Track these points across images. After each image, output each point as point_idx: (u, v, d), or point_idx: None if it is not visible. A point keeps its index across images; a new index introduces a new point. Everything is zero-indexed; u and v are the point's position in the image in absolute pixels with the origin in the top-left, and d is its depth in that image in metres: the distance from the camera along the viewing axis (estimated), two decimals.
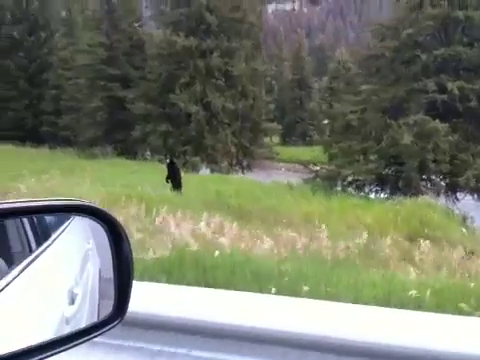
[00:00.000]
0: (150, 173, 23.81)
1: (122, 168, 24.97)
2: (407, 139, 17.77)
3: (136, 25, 35.06)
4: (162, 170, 25.82)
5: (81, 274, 1.17)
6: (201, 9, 29.25)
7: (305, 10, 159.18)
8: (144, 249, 5.09)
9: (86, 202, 1.05)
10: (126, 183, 19.67)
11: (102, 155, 29.84)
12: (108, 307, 1.05)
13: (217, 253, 4.28)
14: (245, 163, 32.35)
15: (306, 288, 3.74)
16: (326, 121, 26.36)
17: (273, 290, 3.64)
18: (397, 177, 19.15)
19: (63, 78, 37.97)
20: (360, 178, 20.02)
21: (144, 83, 31.56)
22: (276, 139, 52.91)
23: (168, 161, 18.45)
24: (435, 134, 17.72)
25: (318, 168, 21.86)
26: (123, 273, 1.03)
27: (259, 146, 31.96)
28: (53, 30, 41.50)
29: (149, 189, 16.99)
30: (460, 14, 18.57)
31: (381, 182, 19.56)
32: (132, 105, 30.77)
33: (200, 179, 23.29)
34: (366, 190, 20.62)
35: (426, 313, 2.24)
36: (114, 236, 1.03)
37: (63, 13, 42.27)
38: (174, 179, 16.75)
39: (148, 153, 33.04)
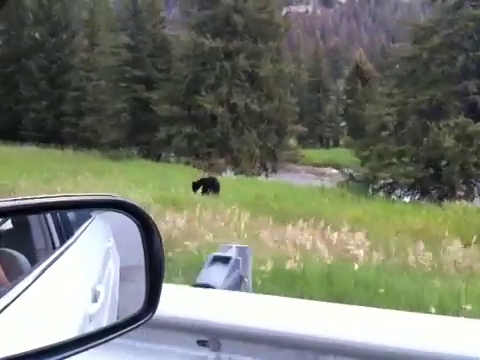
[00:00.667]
0: (177, 175, 23.63)
1: (149, 170, 24.78)
2: (450, 141, 17.39)
3: (159, 26, 34.97)
4: (188, 172, 25.79)
5: (103, 272, 1.17)
6: (228, 10, 29.02)
7: (319, 12, 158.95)
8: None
9: (118, 197, 1.03)
10: (159, 184, 19.55)
11: (127, 157, 29.72)
12: (129, 306, 1.05)
13: (356, 267, 3.95)
14: (269, 165, 32.07)
15: (468, 307, 3.41)
16: (343, 123, 25.87)
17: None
18: (436, 181, 18.76)
19: (85, 79, 37.98)
20: (391, 181, 19.63)
21: (169, 85, 31.39)
22: (293, 141, 52.75)
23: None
24: (478, 136, 17.34)
25: (351, 171, 21.44)
26: (155, 269, 1.04)
27: (284, 148, 31.63)
28: (74, 31, 41.49)
29: (182, 191, 16.85)
30: None
31: (419, 186, 19.17)
32: (157, 107, 30.58)
33: (229, 182, 23.01)
34: (399, 193, 20.24)
35: None
36: (146, 231, 1.03)
37: (84, 14, 42.29)
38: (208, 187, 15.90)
39: (172, 155, 32.86)
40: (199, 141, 29.78)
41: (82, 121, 37.28)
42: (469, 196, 17.89)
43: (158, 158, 33.17)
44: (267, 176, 31.03)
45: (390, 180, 19.69)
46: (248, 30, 29.46)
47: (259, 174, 30.68)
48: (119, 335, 1.00)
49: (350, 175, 21.28)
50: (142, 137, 32.77)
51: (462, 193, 18.22)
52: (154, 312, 1.05)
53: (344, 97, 65.07)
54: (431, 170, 18.74)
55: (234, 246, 2.38)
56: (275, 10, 30.17)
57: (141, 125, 32.94)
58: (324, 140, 62.66)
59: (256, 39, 29.93)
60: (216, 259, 2.24)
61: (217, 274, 2.15)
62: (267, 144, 30.56)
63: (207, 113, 29.21)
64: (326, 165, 44.42)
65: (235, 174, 28.74)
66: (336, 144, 62.84)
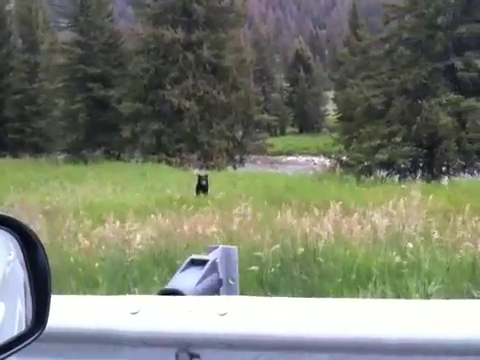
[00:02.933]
0: (157, 174, 22.55)
1: (125, 172, 23.42)
2: (445, 119, 17.58)
3: (107, 20, 33.25)
4: (165, 170, 24.69)
5: (4, 287, 1.08)
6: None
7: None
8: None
9: None
10: (151, 186, 18.50)
11: (92, 160, 28.05)
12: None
13: None
14: (237, 157, 31.48)
15: None
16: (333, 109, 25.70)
17: None
18: (431, 159, 18.97)
19: (27, 81, 35.60)
20: (386, 163, 19.64)
21: (128, 80, 29.89)
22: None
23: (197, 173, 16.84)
24: (472, 112, 17.65)
25: (342, 157, 21.24)
26: (41, 284, 1.01)
27: (252, 139, 31.14)
28: (10, 30, 38.69)
29: (177, 190, 15.93)
30: None
31: (415, 165, 19.32)
32: (119, 105, 29.04)
33: (215, 177, 22.13)
34: (382, 175, 20.32)
35: None
36: (27, 246, 1.00)
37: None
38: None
39: (136, 154, 31.44)
40: (167, 137, 28.65)
41: (28, 126, 34.99)
42: (468, 171, 18.26)
43: (118, 158, 31.70)
44: (235, 168, 30.46)
45: (368, 163, 19.55)
46: (209, 19, 28.58)
47: (226, 167, 30.04)
48: (4, 357, 0.98)
49: (340, 160, 21.09)
50: (102, 138, 31.06)
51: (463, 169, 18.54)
52: (43, 328, 1.02)
53: (287, 85, 65.59)
54: (425, 149, 18.92)
55: (220, 246, 2.27)
56: None
57: (100, 125, 31.22)
58: (272, 129, 62.84)
59: (217, 28, 29.13)
60: (192, 262, 2.11)
61: (189, 279, 2.02)
62: (235, 135, 29.94)
63: (174, 108, 28.13)
64: (289, 154, 44.48)
65: (200, 168, 27.95)
66: (283, 132, 63.32)
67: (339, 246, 4.96)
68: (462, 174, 18.54)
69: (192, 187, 15.59)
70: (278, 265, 4.36)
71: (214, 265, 2.17)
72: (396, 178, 19.95)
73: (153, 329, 1.71)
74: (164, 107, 28.50)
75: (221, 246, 2.35)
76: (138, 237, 7.26)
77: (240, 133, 29.66)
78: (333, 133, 27.48)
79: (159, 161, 26.45)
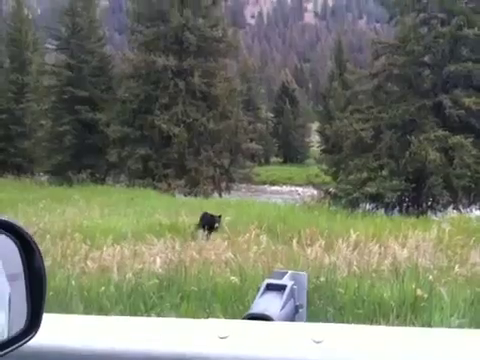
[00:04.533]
0: (148, 199, 22.40)
1: (114, 195, 23.17)
2: (433, 154, 17.90)
3: (99, 44, 33.41)
4: (154, 196, 24.49)
5: None
6: (179, 28, 28.32)
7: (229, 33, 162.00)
8: None
9: None
10: (140, 210, 18.35)
11: (77, 182, 27.72)
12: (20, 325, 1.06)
13: None
14: (223, 185, 31.47)
15: None
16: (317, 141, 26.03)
17: None
18: (418, 194, 19.21)
19: (13, 101, 35.31)
20: (375, 196, 19.82)
21: (117, 105, 29.88)
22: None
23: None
24: (460, 149, 18.01)
25: (331, 188, 21.38)
26: (35, 286, 1.05)
27: (239, 167, 31.23)
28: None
29: (166, 216, 15.76)
30: (469, 32, 19.22)
31: (404, 199, 19.55)
32: (107, 128, 28.95)
33: (203, 204, 21.99)
34: (368, 207, 20.49)
35: None
36: (26, 251, 1.05)
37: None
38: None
39: (122, 178, 31.22)
40: (155, 162, 28.55)
41: (13, 146, 34.56)
42: (454, 206, 18.54)
43: (103, 181, 31.41)
44: (220, 196, 30.42)
45: (355, 195, 19.69)
46: (200, 48, 28.92)
47: (211, 194, 29.98)
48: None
49: (326, 191, 21.23)
50: (88, 160, 30.82)
51: (449, 205, 18.83)
52: (36, 331, 1.06)
53: (272, 115, 66.33)
54: (413, 184, 19.18)
55: (289, 272, 2.18)
56: (226, 28, 29.97)
57: (86, 148, 31.03)
58: (256, 158, 63.21)
59: (208, 57, 29.49)
60: (269, 287, 2.03)
61: (272, 304, 1.94)
62: (223, 163, 29.98)
63: (162, 133, 28.14)
64: (273, 183, 44.67)
65: (184, 195, 27.84)
66: (267, 162, 63.72)
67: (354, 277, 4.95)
68: (449, 210, 18.83)
69: (180, 213, 15.39)
70: None
71: (292, 291, 2.12)
72: (382, 211, 20.14)
73: (243, 355, 1.63)
74: (152, 132, 28.48)
75: (290, 271, 2.31)
76: (141, 261, 7.15)
77: (227, 161, 29.70)
78: (319, 164, 27.72)
79: (145, 186, 26.27)
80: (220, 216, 11.52)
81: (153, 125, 27.89)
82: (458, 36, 19.74)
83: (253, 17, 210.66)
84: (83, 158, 30.75)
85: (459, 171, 18.17)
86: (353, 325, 2.02)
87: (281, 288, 2.08)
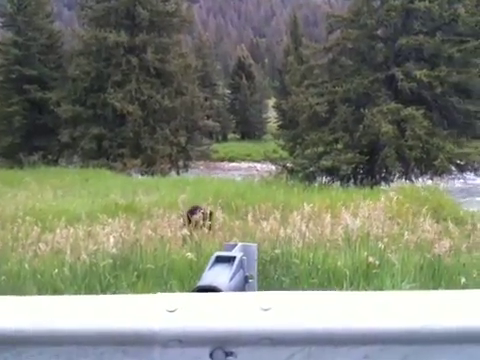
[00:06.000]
0: (103, 179, 21.98)
1: (67, 177, 22.60)
2: (386, 127, 18.24)
3: (47, 21, 32.13)
4: (110, 175, 24.03)
5: None
6: (130, 2, 27.53)
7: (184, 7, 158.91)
8: None
9: None
10: (95, 191, 18.02)
11: (29, 164, 26.85)
12: None
13: None
14: (181, 163, 31.22)
15: None
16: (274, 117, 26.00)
17: None
18: (372, 166, 19.61)
19: None
20: (330, 169, 20.11)
21: (68, 83, 28.96)
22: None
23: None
24: (412, 120, 18.42)
25: (288, 163, 21.54)
26: None
27: (197, 144, 31.01)
28: None
29: (122, 196, 15.54)
30: (421, 5, 19.49)
31: (358, 171, 19.92)
32: (58, 108, 28.06)
33: (161, 182, 21.73)
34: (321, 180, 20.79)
35: None
36: None
37: None
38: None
39: (75, 159, 30.46)
40: (109, 142, 27.97)
41: None
42: (406, 177, 19.03)
43: (55, 163, 30.62)
44: (178, 174, 30.20)
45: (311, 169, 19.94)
46: (153, 23, 28.24)
47: (169, 173, 29.72)
48: None
49: (285, 166, 21.39)
50: (39, 142, 29.86)
51: (402, 175, 19.33)
52: None
53: (229, 92, 65.89)
54: (367, 156, 19.54)
55: (239, 244, 2.26)
56: (180, 2, 29.36)
57: (37, 129, 30.01)
58: (214, 135, 62.90)
59: (161, 33, 28.87)
60: (219, 259, 2.07)
61: (221, 276, 1.99)
62: (180, 141, 29.65)
63: (116, 112, 27.52)
64: (231, 160, 44.58)
65: (141, 175, 27.52)
66: (225, 139, 63.56)
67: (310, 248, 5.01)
68: (401, 180, 19.33)
69: (137, 193, 15.18)
70: None
71: (241, 262, 2.10)
72: (338, 184, 20.48)
73: (191, 327, 1.60)
74: (106, 111, 27.83)
75: (240, 243, 2.28)
76: (95, 242, 7.01)
77: (184, 138, 29.39)
78: (275, 140, 27.80)
79: (100, 166, 25.71)
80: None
81: (106, 103, 27.24)
82: (410, 9, 20.02)
83: None
84: (34, 139, 29.76)
85: (411, 142, 18.62)
86: (300, 291, 2.03)
87: (230, 260, 2.07)
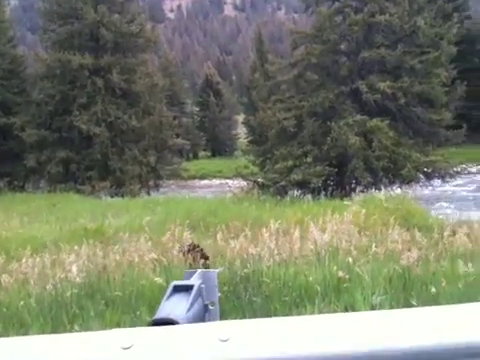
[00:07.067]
0: (71, 203, 21.57)
1: (34, 202, 22.10)
2: (353, 139, 18.49)
3: (9, 46, 31.70)
4: (79, 199, 23.61)
5: None
6: (94, 25, 27.41)
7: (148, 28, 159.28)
8: None
9: None
10: (63, 216, 17.67)
11: None
12: None
13: None
14: (151, 183, 30.96)
15: None
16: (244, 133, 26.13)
17: None
18: (341, 178, 19.80)
19: None
20: (301, 183, 20.22)
21: (32, 107, 28.53)
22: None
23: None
24: (378, 132, 18.73)
25: (259, 179, 21.58)
26: None
27: (167, 164, 30.81)
28: None
29: (91, 220, 15.28)
30: (381, 18, 19.96)
31: (328, 184, 20.08)
32: (22, 132, 27.57)
33: (131, 204, 21.45)
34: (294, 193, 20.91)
35: None
36: None
37: None
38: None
39: (42, 184, 29.88)
40: (76, 165, 27.57)
41: None
42: (378, 187, 19.29)
43: (22, 188, 30.02)
44: (149, 194, 29.93)
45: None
46: (117, 44, 28.16)
47: (139, 193, 29.40)
48: None
49: (256, 182, 21.42)
50: (4, 168, 29.22)
51: (371, 186, 19.57)
52: None
53: (197, 109, 66.00)
54: (336, 168, 19.75)
55: (198, 271, 2.17)
56: (144, 23, 29.38)
57: (2, 155, 29.35)
58: (184, 153, 62.72)
59: (126, 53, 28.79)
60: (177, 289, 1.96)
61: (178, 306, 1.87)
62: (149, 161, 29.43)
63: (82, 134, 27.19)
64: (202, 177, 44.42)
65: (111, 197, 27.16)
66: (195, 156, 63.41)
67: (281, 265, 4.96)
68: (371, 190, 19.55)
69: (106, 215, 14.94)
70: (225, 288, 4.25)
71: (199, 290, 2.03)
72: (310, 197, 20.57)
73: None
74: (72, 134, 27.49)
75: (199, 270, 2.21)
76: (62, 270, 6.80)
77: (154, 158, 29.19)
78: (246, 156, 27.86)
79: (68, 190, 25.27)
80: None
81: (72, 126, 26.90)
82: (371, 22, 20.48)
83: (172, 11, 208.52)
84: None
85: (378, 153, 18.92)
86: (260, 319, 1.96)
87: (188, 288, 2.00)
